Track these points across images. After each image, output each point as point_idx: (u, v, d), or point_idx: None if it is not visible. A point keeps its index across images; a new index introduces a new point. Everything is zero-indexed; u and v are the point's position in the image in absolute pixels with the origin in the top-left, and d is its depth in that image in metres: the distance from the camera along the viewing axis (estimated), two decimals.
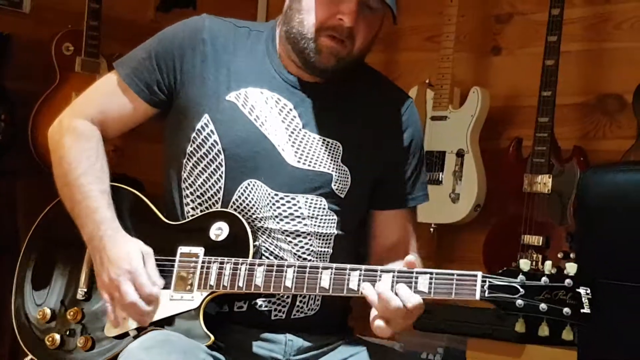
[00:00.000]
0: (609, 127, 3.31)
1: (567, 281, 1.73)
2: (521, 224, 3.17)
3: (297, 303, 2.00)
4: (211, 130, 2.01)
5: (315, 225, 2.02)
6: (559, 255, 3.04)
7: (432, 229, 3.46)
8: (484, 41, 3.62)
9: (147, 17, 4.09)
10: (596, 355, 2.20)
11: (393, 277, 1.82)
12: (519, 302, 1.73)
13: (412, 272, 1.81)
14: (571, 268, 1.74)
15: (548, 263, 1.76)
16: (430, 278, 1.79)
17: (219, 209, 1.99)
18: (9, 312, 2.10)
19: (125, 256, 1.91)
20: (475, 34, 3.64)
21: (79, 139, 2.05)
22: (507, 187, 3.28)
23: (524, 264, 1.76)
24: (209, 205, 2.01)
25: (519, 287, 1.74)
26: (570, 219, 3.11)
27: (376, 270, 1.84)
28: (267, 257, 1.97)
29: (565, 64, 3.19)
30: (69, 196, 2.01)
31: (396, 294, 1.80)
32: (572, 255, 2.98)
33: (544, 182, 3.16)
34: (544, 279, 1.74)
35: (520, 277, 1.75)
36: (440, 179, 3.42)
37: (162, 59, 2.05)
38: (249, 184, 1.99)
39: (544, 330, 1.77)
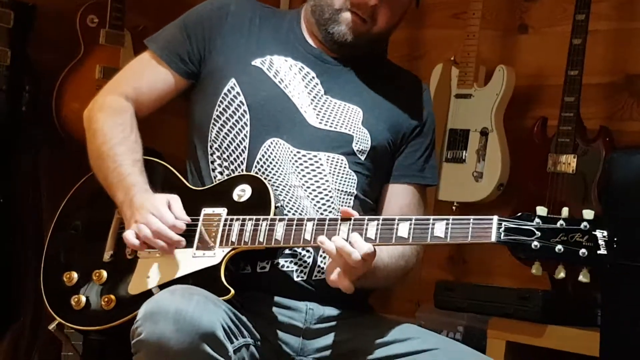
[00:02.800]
0: (636, 108, 3.28)
1: (584, 224, 1.73)
2: (544, 204, 3.13)
3: (319, 263, 2.03)
4: (237, 92, 2.10)
5: (336, 182, 2.08)
6: None
7: (454, 207, 3.44)
8: (511, 19, 3.58)
9: None
10: (619, 336, 2.20)
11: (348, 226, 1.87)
12: (535, 243, 1.74)
13: (428, 219, 1.83)
14: (588, 214, 1.74)
15: (565, 209, 1.77)
16: (447, 223, 1.81)
17: (242, 173, 2.05)
18: (31, 282, 2.13)
19: (150, 201, 1.98)
20: (502, 11, 3.60)
21: (113, 113, 2.14)
22: (531, 166, 3.26)
23: (541, 210, 1.77)
24: (236, 166, 2.07)
25: (534, 229, 1.75)
26: (594, 200, 3.08)
27: (394, 219, 1.86)
28: (291, 212, 2.02)
29: (593, 43, 3.16)
30: (103, 167, 2.08)
31: (350, 243, 1.84)
32: None
33: (568, 162, 3.13)
34: (560, 222, 1.75)
35: (536, 220, 1.76)
36: (463, 158, 3.40)
37: (191, 30, 2.16)
38: (272, 143, 2.06)
39: (560, 272, 1.77)
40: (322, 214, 2.05)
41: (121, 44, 3.59)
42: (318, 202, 2.06)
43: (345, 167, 2.09)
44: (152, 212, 1.96)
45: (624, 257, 1.75)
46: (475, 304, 3.10)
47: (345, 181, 2.09)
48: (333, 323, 2.05)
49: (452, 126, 3.42)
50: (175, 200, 2.01)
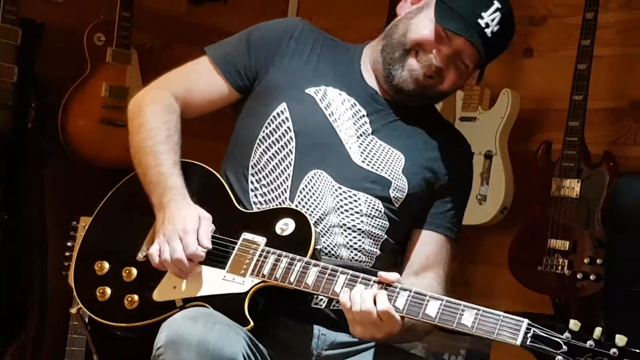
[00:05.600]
0: None
1: (613, 350, 1.69)
2: (548, 228, 3.14)
3: None
4: (286, 117, 2.09)
5: (369, 224, 2.07)
6: (586, 261, 3.05)
7: None
8: (516, 43, 3.58)
9: (179, 9, 4.11)
10: None
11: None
12: (559, 358, 1.71)
13: (459, 305, 1.83)
14: (620, 340, 1.70)
15: (598, 329, 1.73)
16: (477, 314, 1.81)
17: (290, 207, 2.04)
18: (36, 295, 2.13)
19: (182, 217, 1.98)
20: None
21: (162, 110, 2.14)
22: (535, 190, 3.26)
23: (574, 324, 1.74)
24: (279, 192, 2.07)
25: (562, 343, 1.72)
26: (598, 225, 3.08)
27: (425, 295, 1.85)
28: (322, 250, 2.02)
29: (598, 69, 3.16)
30: (144, 162, 2.08)
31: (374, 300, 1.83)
32: (598, 261, 2.99)
33: (572, 187, 3.13)
34: (589, 342, 1.71)
35: (567, 334, 1.72)
36: None
37: (253, 45, 2.17)
38: (315, 174, 2.06)
39: None
40: (352, 252, 2.05)
41: (128, 63, 3.61)
42: (350, 240, 2.06)
43: (380, 212, 2.09)
44: (180, 234, 1.95)
45: (628, 282, 1.74)
46: None
47: (377, 225, 2.09)
48: (344, 350, 2.05)
49: None
50: (206, 221, 2.00)
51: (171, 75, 2.24)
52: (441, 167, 2.17)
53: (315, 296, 2.01)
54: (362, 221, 2.06)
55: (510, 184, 3.36)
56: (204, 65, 2.19)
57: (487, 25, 2.05)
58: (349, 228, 2.05)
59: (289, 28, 2.19)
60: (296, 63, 2.15)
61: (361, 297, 1.84)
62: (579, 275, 3.03)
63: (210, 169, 2.16)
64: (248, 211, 2.08)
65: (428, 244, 2.16)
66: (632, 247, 2.07)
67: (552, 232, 3.13)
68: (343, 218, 2.05)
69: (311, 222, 1.99)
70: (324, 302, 2.03)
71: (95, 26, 3.60)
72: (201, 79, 2.19)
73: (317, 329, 2.03)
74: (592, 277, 3.01)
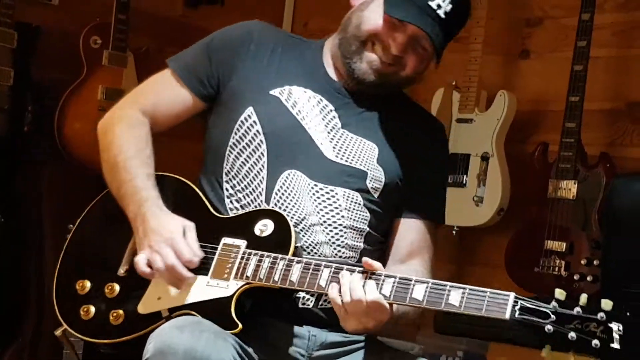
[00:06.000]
0: (637, 134, 3.28)
1: (600, 314, 1.69)
2: (545, 229, 3.15)
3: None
4: (254, 121, 2.08)
5: (350, 218, 2.07)
6: (582, 262, 3.05)
7: (454, 232, 3.44)
8: (513, 44, 3.60)
9: (175, 12, 4.11)
10: None
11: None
12: (549, 327, 1.71)
13: (445, 285, 1.81)
14: (606, 304, 1.70)
15: (584, 296, 1.73)
16: (463, 293, 1.80)
17: (267, 208, 2.03)
18: (33, 299, 2.13)
19: (166, 226, 1.97)
20: (504, 37, 3.62)
21: (130, 126, 2.14)
22: (532, 191, 3.26)
23: (559, 294, 1.74)
24: (254, 197, 2.06)
25: (550, 312, 1.72)
26: (595, 226, 3.08)
27: (411, 280, 1.85)
28: (304, 249, 2.02)
29: (594, 70, 3.17)
30: (116, 178, 2.08)
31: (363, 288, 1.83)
32: (595, 262, 3.00)
33: (568, 188, 3.13)
34: (577, 308, 1.71)
35: (553, 303, 1.73)
36: (464, 182, 3.40)
37: (214, 53, 2.16)
38: (289, 174, 2.06)
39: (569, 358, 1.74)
40: (335, 248, 2.05)
41: (124, 65, 3.61)
42: (332, 237, 2.05)
43: (360, 204, 2.08)
44: (169, 243, 1.95)
45: (625, 283, 1.75)
46: (474, 329, 3.10)
47: (358, 218, 2.09)
48: (336, 350, 2.05)
49: (453, 150, 3.42)
50: (191, 229, 2.00)
51: (136, 91, 2.25)
52: (416, 151, 2.16)
53: (303, 296, 2.01)
54: (342, 216, 2.06)
55: (507, 186, 3.36)
56: (167, 77, 2.19)
57: (439, 7, 2.03)
58: (330, 225, 2.05)
59: (248, 32, 2.18)
60: (258, 66, 2.14)
61: (350, 287, 1.84)
62: (575, 277, 3.04)
63: (183, 179, 2.16)
64: (225, 216, 2.07)
65: (411, 232, 2.15)
66: (628, 249, 2.07)
67: (549, 234, 3.14)
68: (323, 216, 2.04)
69: (289, 221, 1.99)
70: (311, 302, 2.02)
71: (91, 29, 3.60)
72: (166, 91, 2.19)
73: (307, 330, 2.02)
74: (589, 279, 3.01)
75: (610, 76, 3.33)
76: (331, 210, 2.05)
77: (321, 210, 2.05)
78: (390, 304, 1.85)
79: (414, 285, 1.83)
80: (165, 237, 1.96)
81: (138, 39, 3.70)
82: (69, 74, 3.59)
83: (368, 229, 2.10)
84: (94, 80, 3.59)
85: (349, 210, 2.07)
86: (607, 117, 3.34)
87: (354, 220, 2.08)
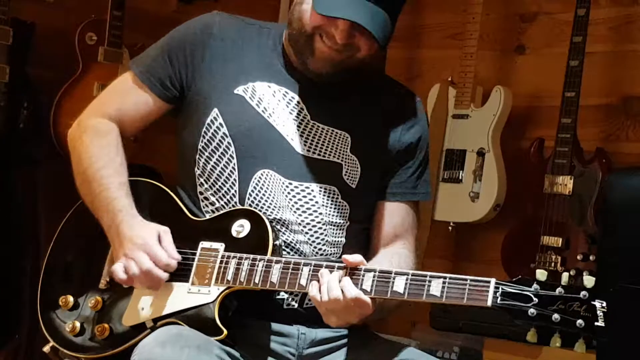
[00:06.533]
0: (632, 130, 3.28)
1: (583, 293, 1.69)
2: (541, 225, 3.15)
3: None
4: (220, 123, 2.04)
5: (329, 214, 2.04)
6: (579, 257, 3.05)
7: (450, 227, 3.44)
8: (508, 40, 3.59)
9: (170, 8, 4.11)
10: (616, 358, 2.19)
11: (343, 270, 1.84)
12: (532, 310, 1.70)
13: (425, 276, 1.80)
14: (588, 281, 1.70)
15: (565, 274, 1.73)
16: (444, 282, 1.78)
17: (242, 208, 2.01)
18: (29, 298, 2.12)
19: (139, 234, 1.96)
20: (500, 32, 3.62)
21: (98, 135, 2.10)
22: (528, 187, 3.26)
23: (540, 274, 1.73)
24: (227, 199, 2.03)
25: (532, 295, 1.71)
26: (591, 221, 3.08)
27: (390, 272, 1.83)
28: (284, 249, 1.99)
29: (590, 65, 3.16)
30: (89, 190, 2.05)
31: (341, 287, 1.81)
32: (591, 258, 3.00)
33: (564, 184, 3.13)
34: (558, 289, 1.70)
35: (535, 286, 1.72)
36: (460, 178, 3.40)
37: (173, 54, 2.10)
38: (262, 174, 2.02)
39: (555, 342, 1.74)
40: (315, 247, 2.03)
41: (119, 62, 3.61)
42: (312, 236, 2.02)
43: (337, 198, 2.05)
44: (143, 249, 1.94)
45: (621, 278, 1.74)
46: (470, 325, 3.10)
47: (337, 213, 2.05)
48: (326, 346, 2.03)
49: (449, 146, 3.42)
50: (166, 233, 1.98)
51: (100, 98, 2.21)
52: (393, 133, 2.10)
53: (287, 297, 1.99)
54: (320, 213, 2.03)
55: (503, 181, 3.36)
56: (130, 81, 2.13)
57: None
58: (308, 224, 2.02)
59: (206, 27, 2.11)
60: (220, 64, 2.08)
61: (328, 287, 1.82)
62: (572, 272, 3.04)
63: (158, 184, 2.13)
64: (201, 219, 2.05)
65: (395, 215, 2.12)
66: (625, 244, 2.07)
67: (545, 229, 3.14)
68: (300, 215, 2.01)
69: (266, 219, 1.96)
70: (296, 302, 2.01)
71: (86, 26, 3.60)
72: (130, 96, 2.13)
73: (296, 329, 2.01)
74: (585, 274, 3.01)
75: (606, 71, 3.33)
76: (308, 209, 2.02)
77: (298, 209, 2.02)
78: (372, 299, 1.83)
79: (394, 278, 1.81)
80: (139, 243, 1.94)
81: (133, 35, 3.69)
82: (65, 71, 3.59)
83: (348, 222, 2.07)
84: (90, 76, 3.59)
85: (326, 207, 2.03)
86: (602, 113, 3.34)
87: (333, 215, 2.04)
